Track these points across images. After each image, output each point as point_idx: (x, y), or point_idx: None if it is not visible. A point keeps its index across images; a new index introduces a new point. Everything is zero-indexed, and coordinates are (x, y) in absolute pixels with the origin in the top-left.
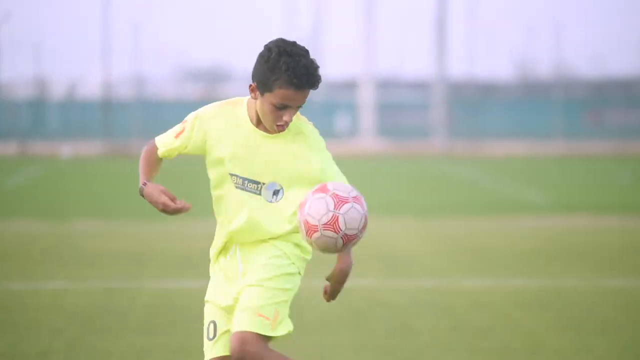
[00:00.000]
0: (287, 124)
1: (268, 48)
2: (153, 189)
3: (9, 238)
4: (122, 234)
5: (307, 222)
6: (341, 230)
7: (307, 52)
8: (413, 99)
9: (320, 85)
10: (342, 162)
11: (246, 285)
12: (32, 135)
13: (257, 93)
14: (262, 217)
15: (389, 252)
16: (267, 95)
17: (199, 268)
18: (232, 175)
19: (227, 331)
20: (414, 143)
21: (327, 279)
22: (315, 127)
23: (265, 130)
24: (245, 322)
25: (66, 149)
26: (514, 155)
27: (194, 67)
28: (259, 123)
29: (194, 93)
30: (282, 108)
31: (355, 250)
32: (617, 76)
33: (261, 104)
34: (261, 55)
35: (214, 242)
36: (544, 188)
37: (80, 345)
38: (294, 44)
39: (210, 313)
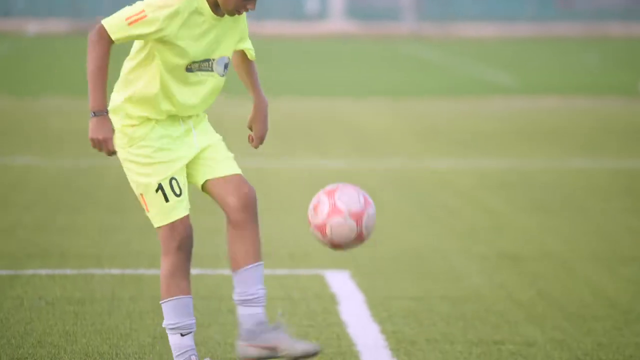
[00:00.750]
0: (247, 11)
1: None
2: (102, 124)
3: None
4: (87, 110)
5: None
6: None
7: None
8: None
9: None
10: (311, 44)
11: (218, 140)
12: None
13: None
14: (212, 90)
15: (359, 133)
16: None
17: None
18: (193, 62)
19: (185, 189)
20: (384, 25)
21: (250, 126)
22: (284, 8)
23: (218, 12)
24: (237, 167)
25: (32, 27)
26: (483, 38)
27: None
28: (216, 9)
29: None
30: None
31: (324, 130)
32: None
33: None
34: None
35: (146, 109)
36: (513, 70)
37: (48, 222)
38: None
39: (162, 171)
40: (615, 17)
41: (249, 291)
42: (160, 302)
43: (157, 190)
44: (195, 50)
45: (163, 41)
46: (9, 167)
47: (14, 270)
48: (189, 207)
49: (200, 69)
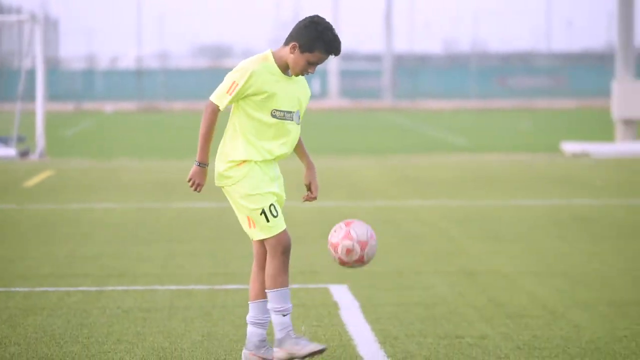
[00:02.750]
0: (309, 74)
1: (315, 21)
2: (200, 172)
3: (68, 172)
4: (152, 168)
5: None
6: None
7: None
8: (368, 67)
9: None
10: (315, 116)
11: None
12: (84, 97)
13: (297, 50)
14: (295, 136)
15: (351, 181)
16: (307, 54)
17: (210, 193)
18: (275, 110)
19: (280, 211)
20: (369, 101)
21: (307, 184)
22: None
23: (286, 74)
24: None
25: (109, 107)
26: (442, 110)
27: (204, 45)
28: (285, 70)
29: (203, 64)
30: (312, 64)
31: (327, 179)
32: (519, 51)
33: (297, 58)
34: (308, 26)
35: (247, 153)
36: (465, 134)
37: (124, 251)
38: (329, 23)
39: (265, 199)
40: (540, 94)
41: (260, 316)
42: (268, 291)
43: (260, 214)
44: (273, 100)
45: (253, 96)
46: (92, 209)
47: (99, 287)
48: (284, 224)
49: (284, 118)
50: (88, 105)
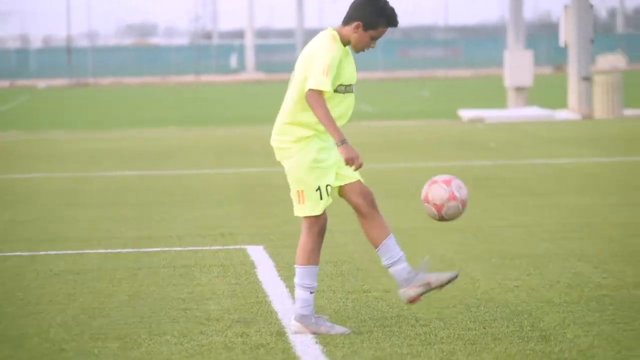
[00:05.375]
0: (370, 48)
1: (373, 0)
2: (350, 148)
3: (5, 145)
4: (82, 139)
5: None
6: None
7: None
8: (282, 43)
9: (217, 34)
10: (233, 88)
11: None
12: (18, 75)
13: (360, 29)
14: (352, 105)
15: (270, 149)
16: (371, 31)
17: (140, 161)
18: (340, 85)
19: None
20: (282, 74)
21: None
22: (215, 64)
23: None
24: (358, 175)
25: (42, 83)
26: None
27: (130, 24)
28: (346, 45)
29: (129, 42)
30: (375, 39)
31: (248, 147)
32: (420, 25)
33: (362, 36)
34: (368, 4)
35: (309, 128)
36: (372, 102)
37: (57, 217)
38: None
39: (325, 176)
40: (438, 64)
41: (393, 255)
42: (299, 266)
43: (316, 190)
44: (342, 77)
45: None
46: (26, 179)
47: (32, 251)
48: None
49: (346, 91)
50: (22, 82)
